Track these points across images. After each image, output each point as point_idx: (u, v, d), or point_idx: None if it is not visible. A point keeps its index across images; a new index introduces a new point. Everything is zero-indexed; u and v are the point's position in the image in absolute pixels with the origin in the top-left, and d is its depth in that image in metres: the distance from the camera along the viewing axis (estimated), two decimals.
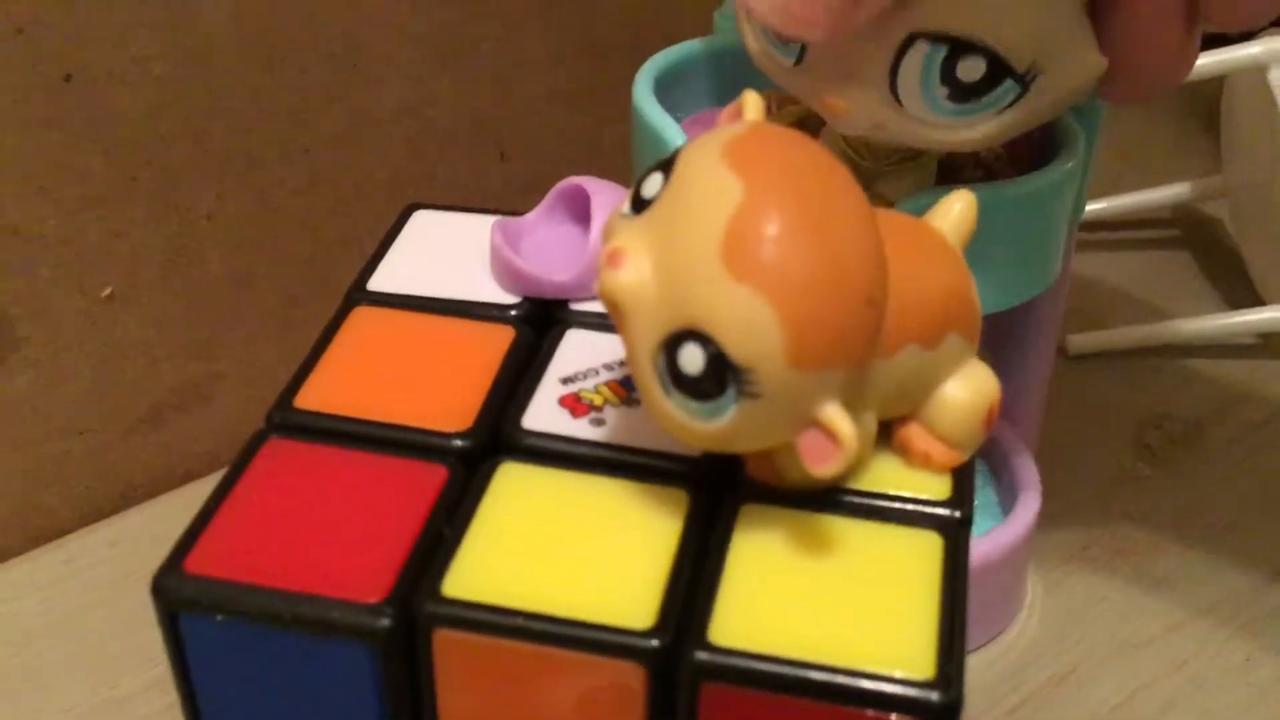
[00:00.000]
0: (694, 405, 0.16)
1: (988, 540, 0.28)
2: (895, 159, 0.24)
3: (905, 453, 0.19)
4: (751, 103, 0.18)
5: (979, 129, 0.22)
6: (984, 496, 0.30)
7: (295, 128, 0.32)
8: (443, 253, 0.23)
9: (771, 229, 0.15)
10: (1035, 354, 0.29)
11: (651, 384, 0.16)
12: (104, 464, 0.33)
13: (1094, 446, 0.34)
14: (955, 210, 0.19)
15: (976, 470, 0.30)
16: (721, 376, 0.16)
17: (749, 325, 0.15)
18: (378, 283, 0.22)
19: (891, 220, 0.18)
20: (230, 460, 0.19)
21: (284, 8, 0.31)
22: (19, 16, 0.27)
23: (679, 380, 0.16)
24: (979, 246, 0.24)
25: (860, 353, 0.16)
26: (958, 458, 0.19)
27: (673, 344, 0.16)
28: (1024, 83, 0.21)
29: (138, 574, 0.30)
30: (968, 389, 0.19)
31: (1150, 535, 0.31)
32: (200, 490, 0.33)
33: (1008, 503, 0.29)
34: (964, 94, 0.21)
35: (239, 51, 0.30)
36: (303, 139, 0.32)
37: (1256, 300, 0.39)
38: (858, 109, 0.22)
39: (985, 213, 0.24)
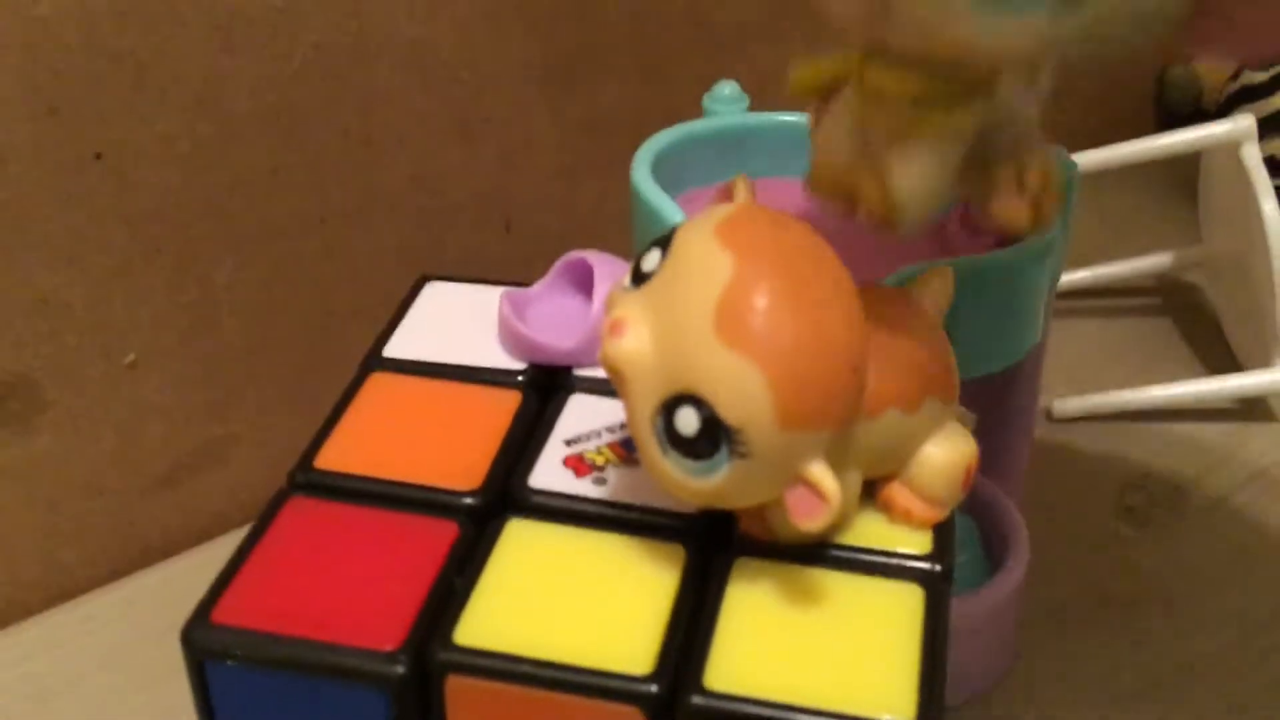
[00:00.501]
0: (689, 464, 0.17)
1: (977, 598, 0.28)
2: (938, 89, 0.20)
3: (888, 510, 0.20)
4: (741, 186, 0.19)
5: (1025, 35, 0.17)
6: (971, 554, 0.31)
7: (310, 201, 0.34)
8: (453, 322, 0.24)
9: (760, 300, 0.17)
10: (1018, 416, 0.31)
11: (650, 444, 0.18)
12: (122, 524, 0.34)
13: (1078, 507, 0.35)
14: (934, 283, 0.21)
15: (964, 529, 0.31)
16: (715, 437, 0.17)
17: (740, 389, 0.17)
18: (393, 350, 0.24)
19: (873, 292, 0.19)
20: (244, 520, 0.20)
21: (301, 88, 0.32)
22: (53, 98, 0.29)
23: (675, 441, 0.17)
24: (961, 316, 0.26)
25: (844, 414, 0.17)
26: (938, 514, 0.20)
27: (670, 407, 0.17)
28: None
29: (155, 631, 0.31)
30: (947, 450, 0.20)
31: (1132, 594, 0.32)
32: (215, 549, 0.34)
33: (995, 561, 0.30)
34: None
35: (259, 130, 0.32)
36: (318, 211, 0.34)
37: (1235, 366, 0.40)
38: None
39: (966, 283, 0.26)
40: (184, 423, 0.34)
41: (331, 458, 0.21)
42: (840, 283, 0.18)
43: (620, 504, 0.20)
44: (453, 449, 0.21)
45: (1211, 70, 0.51)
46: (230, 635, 0.18)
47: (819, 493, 0.17)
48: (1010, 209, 0.22)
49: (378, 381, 0.23)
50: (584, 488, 0.20)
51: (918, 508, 0.20)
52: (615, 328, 0.18)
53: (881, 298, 0.20)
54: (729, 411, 0.17)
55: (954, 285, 0.21)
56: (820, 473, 0.17)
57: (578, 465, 0.21)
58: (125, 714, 0.29)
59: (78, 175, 0.30)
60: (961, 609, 0.27)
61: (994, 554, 0.30)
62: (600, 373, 0.21)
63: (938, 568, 0.19)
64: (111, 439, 0.33)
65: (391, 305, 0.25)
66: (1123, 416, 0.38)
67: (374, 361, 0.23)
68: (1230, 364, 0.40)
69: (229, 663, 0.18)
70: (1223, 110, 0.46)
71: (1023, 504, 0.31)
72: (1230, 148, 0.38)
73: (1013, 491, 0.31)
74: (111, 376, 0.32)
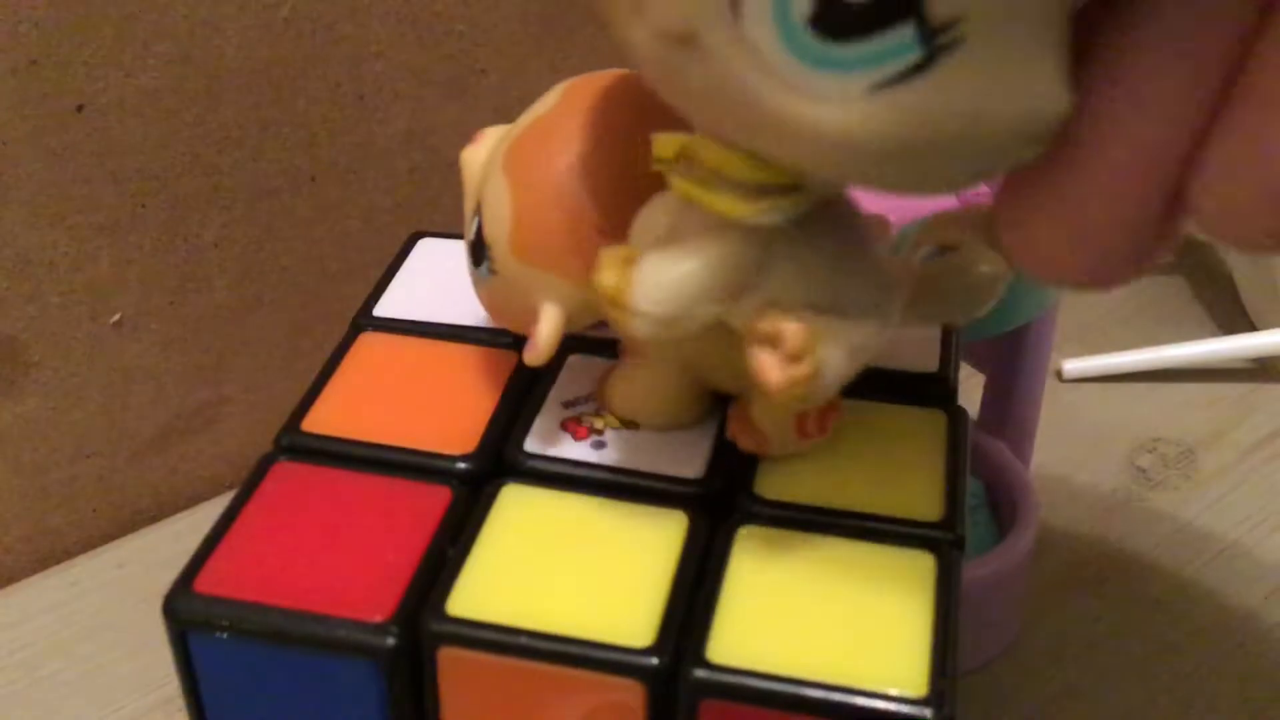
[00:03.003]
0: (473, 268, 0.20)
1: (986, 562, 0.28)
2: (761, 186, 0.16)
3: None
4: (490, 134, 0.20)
5: (837, 108, 0.13)
6: (981, 517, 0.30)
7: (301, 158, 0.33)
8: (446, 280, 0.23)
9: (538, 141, 0.18)
10: (1029, 377, 0.30)
11: (466, 245, 0.20)
12: (111, 487, 0.33)
13: (1089, 469, 0.34)
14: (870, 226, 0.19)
15: (973, 492, 0.30)
16: (482, 247, 0.19)
17: (496, 209, 0.18)
18: (383, 309, 0.23)
19: None
20: (235, 484, 0.19)
21: (291, 41, 0.31)
22: (32, 48, 0.28)
23: (470, 244, 0.19)
24: None
25: (581, 270, 0.17)
26: (763, 448, 0.19)
27: (474, 214, 0.19)
28: (931, 42, 0.13)
29: (144, 595, 0.30)
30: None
31: (1145, 557, 0.32)
32: (206, 513, 0.33)
33: (1005, 525, 0.29)
34: (839, 27, 0.13)
35: (247, 84, 0.31)
36: (309, 169, 0.33)
37: (1249, 326, 0.39)
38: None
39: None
40: (173, 385, 0.33)
41: (320, 420, 0.20)
42: (636, 155, 0.17)
43: (620, 469, 0.19)
44: (446, 411, 0.20)
45: None
46: (214, 605, 0.18)
47: (535, 331, 0.18)
48: (758, 363, 0.16)
49: (368, 341, 0.22)
50: (582, 452, 0.20)
51: (746, 435, 0.19)
52: (473, 138, 0.20)
53: None
54: (487, 225, 0.19)
55: (888, 233, 0.19)
56: (546, 314, 0.18)
57: (576, 428, 0.20)
58: (114, 678, 0.29)
59: (59, 129, 0.29)
60: (970, 573, 0.27)
61: (1003, 518, 0.30)
62: (598, 333, 0.21)
63: (949, 535, 0.19)
64: (99, 401, 0.32)
65: (385, 264, 0.24)
66: (1134, 377, 0.37)
67: (364, 321, 0.22)
68: (1244, 324, 0.39)
69: (213, 634, 0.18)
70: None
71: (1033, 466, 0.31)
72: None
73: (1023, 454, 0.31)
74: (98, 337, 0.31)
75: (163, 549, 0.33)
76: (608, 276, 0.16)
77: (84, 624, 0.31)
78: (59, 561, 0.33)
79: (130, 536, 0.33)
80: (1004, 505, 0.30)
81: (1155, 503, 0.33)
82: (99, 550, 0.33)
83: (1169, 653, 0.29)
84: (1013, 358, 0.30)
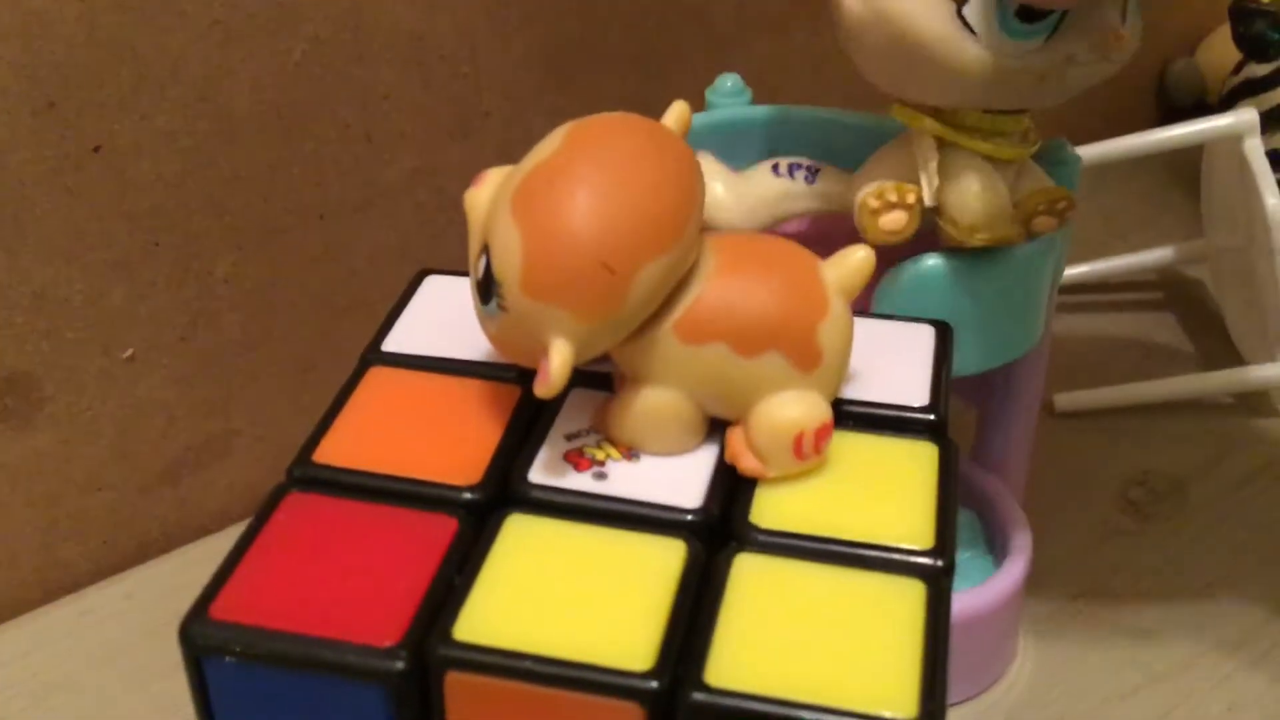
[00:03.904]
0: (481, 305, 0.20)
1: (979, 593, 0.28)
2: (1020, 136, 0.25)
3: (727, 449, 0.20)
4: (675, 110, 0.21)
5: (1019, 59, 0.23)
6: (975, 549, 0.31)
7: (310, 196, 0.34)
8: (453, 316, 0.24)
9: (546, 182, 0.19)
10: (1022, 411, 0.31)
11: (473, 283, 0.20)
12: (121, 519, 0.34)
13: (1080, 502, 0.35)
14: (850, 261, 0.21)
15: (967, 525, 0.31)
16: (491, 284, 0.19)
17: (505, 247, 0.19)
18: (392, 344, 0.23)
19: (758, 239, 0.21)
20: (243, 516, 0.20)
21: (302, 84, 0.32)
22: (52, 91, 0.29)
23: (478, 282, 0.20)
24: (969, 310, 0.26)
25: (592, 304, 0.19)
26: (761, 470, 0.20)
27: (483, 252, 0.20)
28: (1058, 25, 0.23)
29: (153, 626, 0.31)
30: (778, 409, 0.20)
31: (1135, 588, 0.32)
32: (213, 545, 0.34)
33: (999, 556, 0.30)
34: (1029, 15, 0.23)
35: (259, 125, 0.32)
36: (317, 207, 0.34)
37: (1237, 360, 0.40)
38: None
39: (974, 278, 0.26)
40: (183, 419, 0.34)
41: (330, 452, 0.21)
42: (640, 196, 0.19)
43: (621, 499, 0.20)
44: (452, 443, 0.21)
45: (1214, 63, 0.51)
46: (228, 631, 0.18)
47: (546, 364, 0.19)
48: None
49: (377, 375, 0.23)
50: (584, 482, 0.20)
51: (746, 458, 0.20)
52: (475, 180, 0.20)
53: (764, 244, 0.21)
54: (496, 264, 0.19)
55: (870, 271, 0.21)
56: (555, 348, 0.19)
57: (578, 460, 0.21)
58: (124, 709, 0.30)
59: (76, 169, 0.30)
60: (963, 603, 0.27)
61: (997, 550, 0.30)
62: (599, 367, 0.21)
63: (939, 563, 0.19)
64: (110, 435, 0.33)
65: (391, 301, 0.25)
66: (1124, 410, 0.38)
67: (373, 355, 0.23)
68: (1232, 358, 0.40)
69: (227, 659, 0.18)
70: (1226, 104, 0.46)
71: (1025, 499, 0.31)
72: (1232, 141, 0.38)
73: (1015, 487, 0.31)
74: (110, 372, 0.32)
75: (171, 580, 0.33)
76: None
77: (93, 655, 0.31)
78: (70, 592, 0.33)
79: (139, 567, 0.34)
80: (997, 537, 0.30)
81: (1146, 534, 0.34)
82: (109, 581, 0.33)
83: (1158, 681, 0.30)
84: (1005, 393, 0.30)
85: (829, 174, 0.27)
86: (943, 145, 0.25)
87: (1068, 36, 0.23)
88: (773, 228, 0.27)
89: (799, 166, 0.27)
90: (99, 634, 0.32)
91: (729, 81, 0.30)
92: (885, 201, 0.24)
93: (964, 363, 0.25)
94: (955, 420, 0.22)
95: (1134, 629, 0.31)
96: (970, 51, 0.23)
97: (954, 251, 0.26)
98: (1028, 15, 0.23)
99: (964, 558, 0.30)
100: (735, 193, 0.27)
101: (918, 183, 0.25)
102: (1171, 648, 0.30)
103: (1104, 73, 0.24)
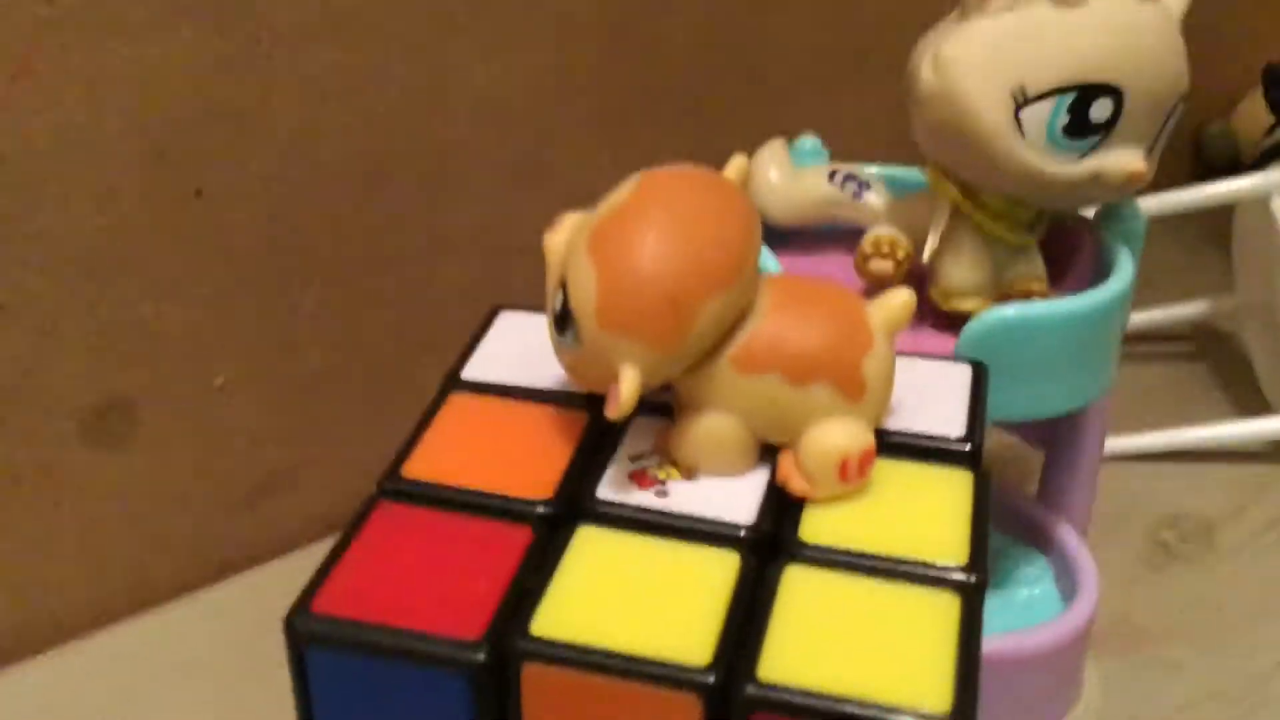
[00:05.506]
0: (556, 336, 0.22)
1: (1050, 630, 0.29)
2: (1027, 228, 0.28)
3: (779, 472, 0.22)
4: (735, 164, 0.23)
5: (1061, 166, 0.26)
6: (1044, 587, 0.31)
7: (388, 241, 0.36)
8: (525, 347, 0.26)
9: (620, 225, 0.21)
10: (1087, 452, 0.31)
11: (549, 316, 0.22)
12: (204, 539, 0.36)
13: (1114, 542, 0.36)
14: (893, 303, 0.23)
15: (1037, 565, 0.32)
16: (567, 318, 0.21)
17: (581, 283, 0.21)
18: (470, 372, 0.25)
19: (809, 281, 0.23)
20: (314, 539, 0.21)
21: (383, 136, 0.35)
22: (160, 141, 0.31)
23: (555, 316, 0.22)
24: (1049, 358, 0.27)
25: (662, 336, 0.21)
26: (809, 491, 0.22)
27: (559, 289, 0.21)
28: (1103, 138, 0.26)
29: (231, 640, 0.33)
30: (826, 435, 0.22)
31: (1164, 625, 0.33)
32: (288, 564, 0.36)
33: (1065, 595, 0.30)
34: (1077, 132, 0.25)
35: (344, 173, 0.34)
36: (394, 251, 0.36)
37: (1267, 409, 0.41)
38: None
39: (1057, 327, 0.27)
40: (266, 445, 0.36)
41: (417, 468, 0.23)
42: (703, 239, 0.21)
43: (680, 514, 0.22)
44: (526, 462, 0.23)
45: (1247, 127, 0.52)
46: (328, 623, 0.20)
47: (616, 390, 0.20)
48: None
49: (457, 400, 0.25)
50: (647, 499, 0.22)
51: (794, 479, 0.22)
52: (553, 224, 0.22)
53: (816, 288, 0.23)
54: (573, 299, 0.21)
55: (911, 312, 0.23)
56: (625, 375, 0.20)
57: (641, 479, 0.22)
58: (206, 716, 0.31)
59: (179, 211, 0.32)
60: (1034, 641, 0.28)
61: (1063, 589, 0.31)
62: (659, 397, 0.23)
63: (973, 578, 0.21)
64: (198, 458, 0.35)
65: (459, 341, 0.26)
66: (1158, 456, 0.39)
67: (453, 382, 0.25)
68: (1261, 407, 0.41)
69: (326, 649, 0.20)
70: (1259, 164, 0.48)
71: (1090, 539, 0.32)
72: (1262, 200, 0.39)
73: (1080, 527, 0.32)
74: (201, 398, 0.34)
75: (249, 597, 0.35)
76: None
77: (175, 666, 0.33)
78: (153, 606, 0.35)
79: (218, 585, 0.36)
80: (1062, 577, 0.31)
81: (1176, 574, 0.35)
82: (190, 597, 0.35)
83: (1183, 712, 0.31)
84: (1071, 435, 0.31)
85: (874, 193, 0.29)
86: (956, 213, 0.27)
87: (1101, 159, 0.26)
88: (811, 226, 0.30)
89: (851, 179, 0.29)
90: (181, 647, 0.33)
91: (808, 142, 0.32)
92: (878, 251, 0.27)
93: (1047, 406, 0.26)
94: (1022, 463, 0.24)
95: (1162, 667, 0.32)
96: (1017, 150, 0.26)
97: (1039, 303, 0.27)
98: (1073, 132, 0.25)
99: (1033, 594, 0.31)
100: (785, 184, 0.29)
101: (927, 233, 0.27)
102: (1196, 681, 0.31)
103: (1122, 193, 0.27)
